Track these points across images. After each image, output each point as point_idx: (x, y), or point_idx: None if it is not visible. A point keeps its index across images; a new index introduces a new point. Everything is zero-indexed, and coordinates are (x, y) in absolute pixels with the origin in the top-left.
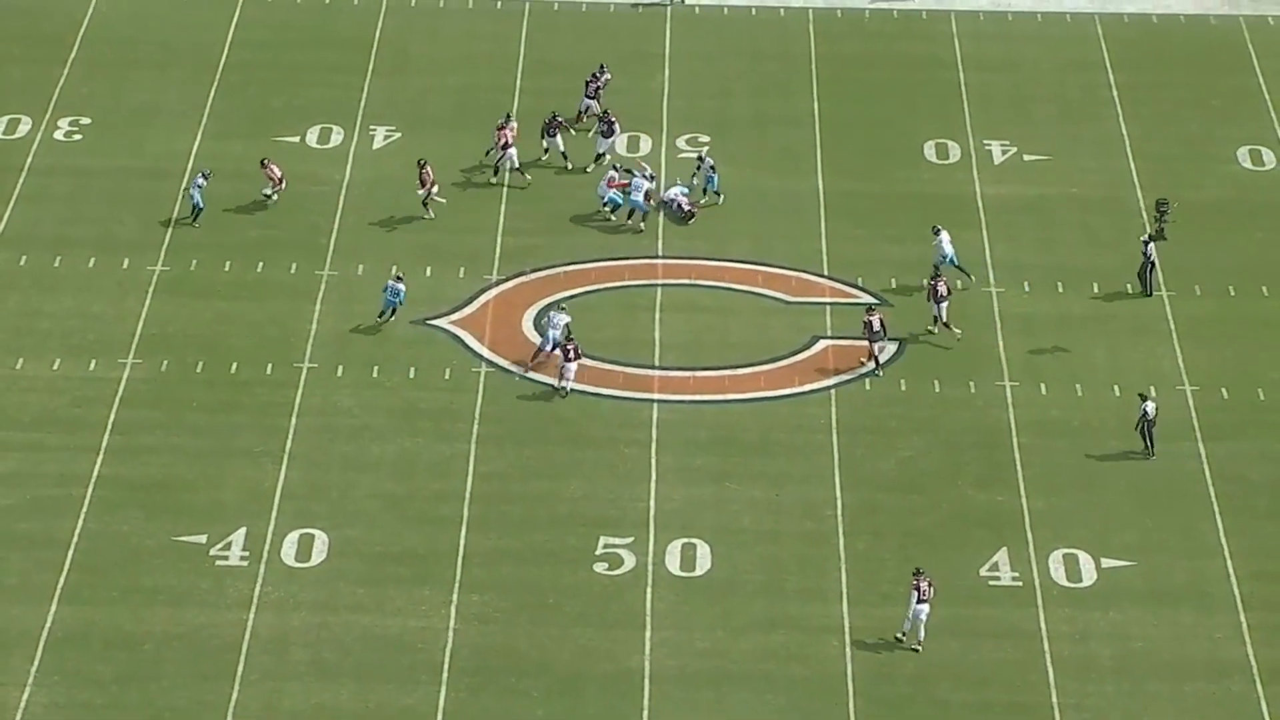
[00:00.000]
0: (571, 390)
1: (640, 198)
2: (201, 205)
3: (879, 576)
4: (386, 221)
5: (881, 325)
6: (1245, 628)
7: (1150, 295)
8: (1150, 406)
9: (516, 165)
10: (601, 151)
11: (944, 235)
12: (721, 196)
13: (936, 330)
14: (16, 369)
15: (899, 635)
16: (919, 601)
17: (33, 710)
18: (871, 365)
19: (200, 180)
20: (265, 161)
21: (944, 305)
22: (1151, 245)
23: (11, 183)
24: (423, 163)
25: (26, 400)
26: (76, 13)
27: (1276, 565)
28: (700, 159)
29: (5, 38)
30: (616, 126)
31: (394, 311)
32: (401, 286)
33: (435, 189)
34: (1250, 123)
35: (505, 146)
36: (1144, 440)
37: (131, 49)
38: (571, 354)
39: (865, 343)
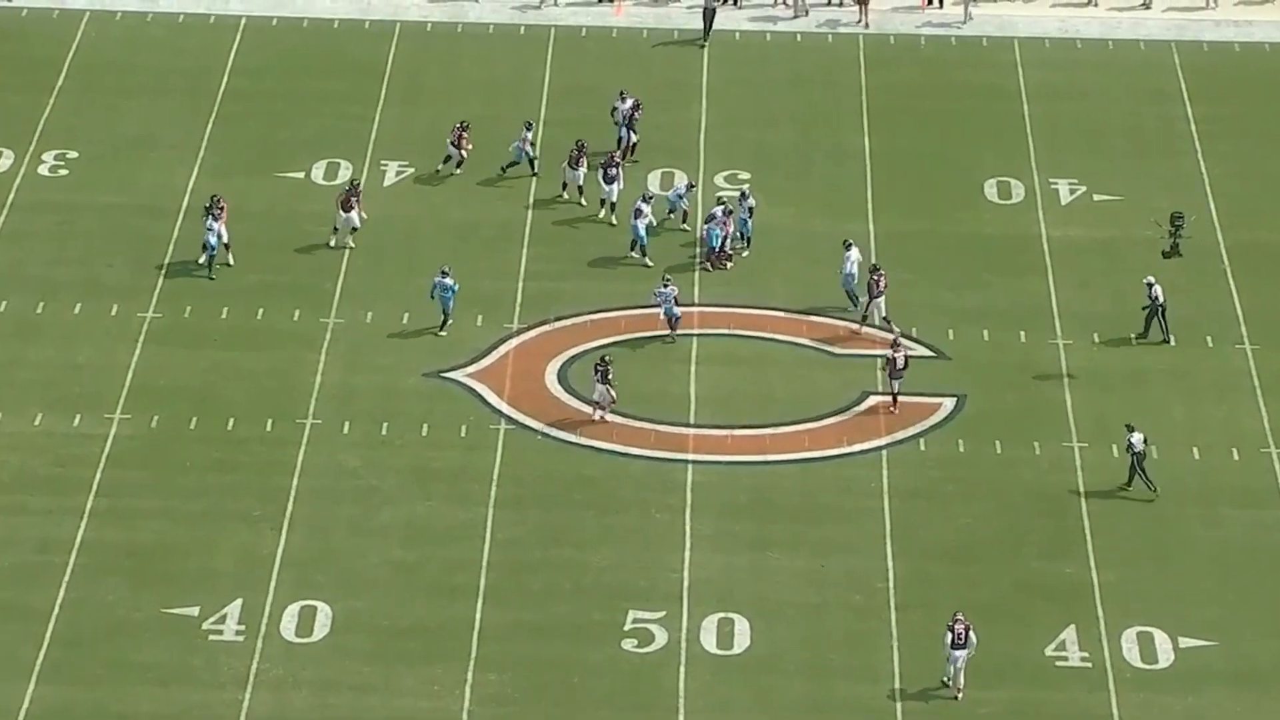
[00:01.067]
0: (600, 448)
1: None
2: (214, 247)
3: (934, 655)
4: (398, 264)
5: (905, 363)
6: None
7: (1146, 336)
8: (1138, 439)
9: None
10: (603, 199)
11: (853, 252)
12: (749, 249)
13: (862, 329)
14: None
15: (945, 680)
16: (954, 647)
17: None
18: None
19: (211, 222)
20: (217, 200)
21: (880, 300)
22: (1157, 287)
23: None
24: (356, 185)
25: (5, 459)
26: (64, 37)
27: None
28: (743, 194)
29: None
30: (620, 171)
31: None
32: (450, 281)
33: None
34: None
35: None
36: (1138, 477)
37: (123, 76)
38: (602, 376)
39: (921, 400)
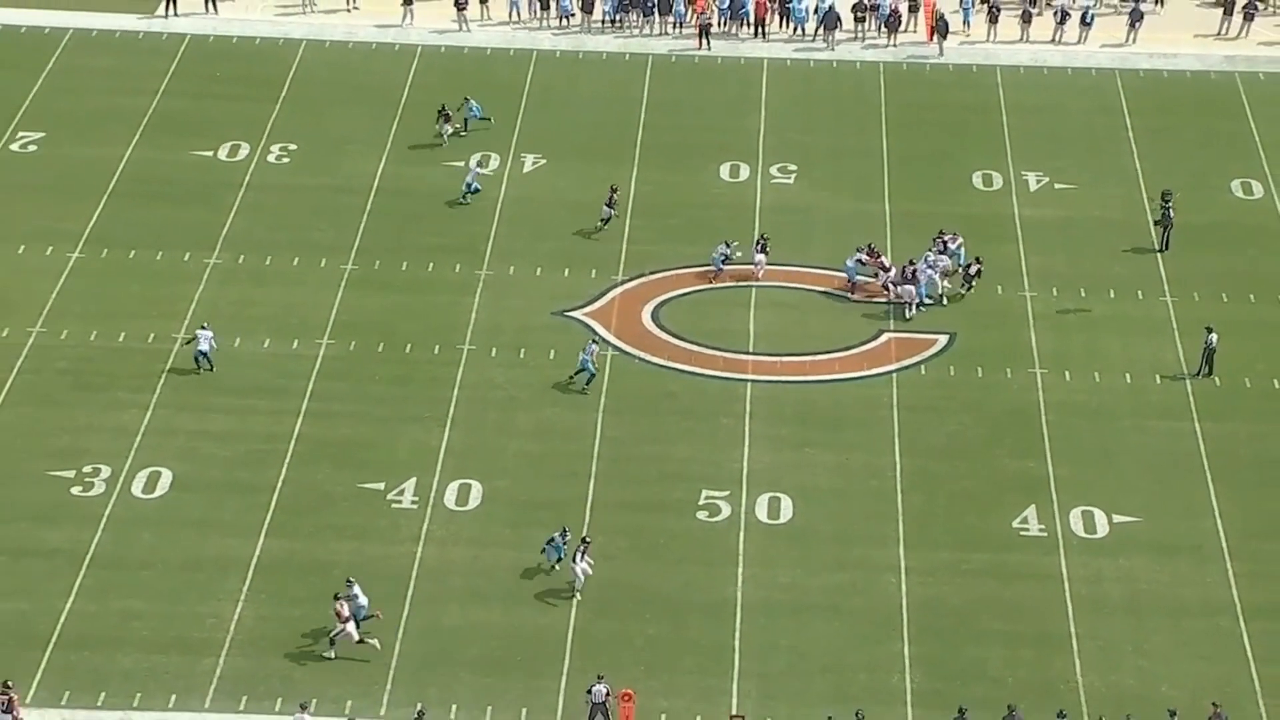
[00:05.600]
0: (682, 370)
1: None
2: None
3: (930, 527)
4: (533, 231)
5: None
6: (1232, 575)
7: (1166, 249)
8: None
9: None
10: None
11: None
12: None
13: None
14: (235, 347)
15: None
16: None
17: (244, 622)
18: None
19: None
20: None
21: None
22: (1172, 209)
23: (233, 196)
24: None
25: (243, 372)
26: (288, 59)
27: (1259, 525)
28: (949, 240)
29: (232, 79)
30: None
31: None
32: (593, 352)
33: None
34: (1242, 160)
35: None
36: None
37: (330, 89)
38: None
39: (922, 336)
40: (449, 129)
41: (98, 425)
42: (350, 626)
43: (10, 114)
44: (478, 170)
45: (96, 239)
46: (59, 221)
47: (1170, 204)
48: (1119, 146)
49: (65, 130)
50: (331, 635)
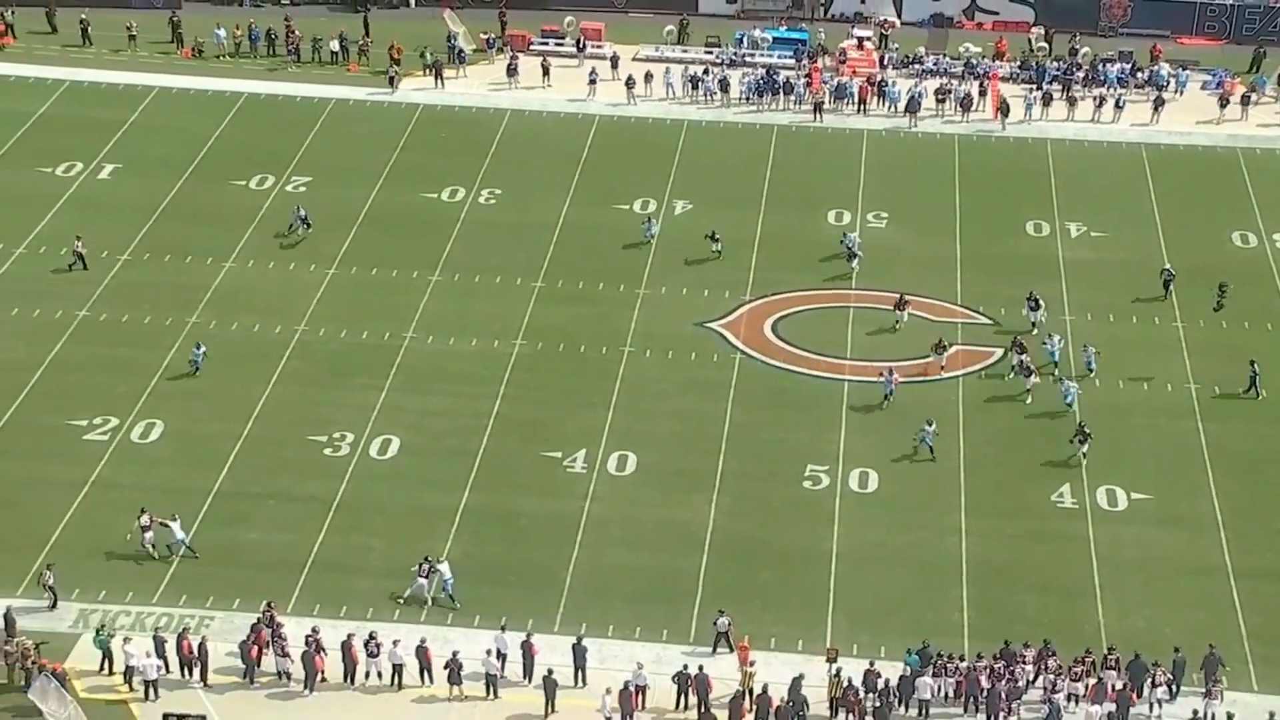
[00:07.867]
0: (794, 371)
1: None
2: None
3: (985, 499)
4: (682, 261)
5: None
6: (1224, 543)
7: (1167, 297)
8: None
9: None
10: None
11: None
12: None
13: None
14: (450, 345)
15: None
16: None
17: (452, 556)
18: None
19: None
20: None
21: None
22: (1170, 269)
23: (451, 229)
24: None
25: (458, 365)
26: (495, 124)
27: (1247, 504)
28: (1085, 349)
29: (453, 139)
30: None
31: None
32: None
33: None
34: (1240, 216)
35: None
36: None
37: (527, 148)
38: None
39: (982, 349)
40: (304, 228)
41: (345, 402)
42: (148, 535)
43: (287, 162)
44: (652, 223)
45: (348, 260)
46: (321, 245)
47: (1226, 293)
48: (1143, 204)
49: (327, 176)
50: (132, 537)
